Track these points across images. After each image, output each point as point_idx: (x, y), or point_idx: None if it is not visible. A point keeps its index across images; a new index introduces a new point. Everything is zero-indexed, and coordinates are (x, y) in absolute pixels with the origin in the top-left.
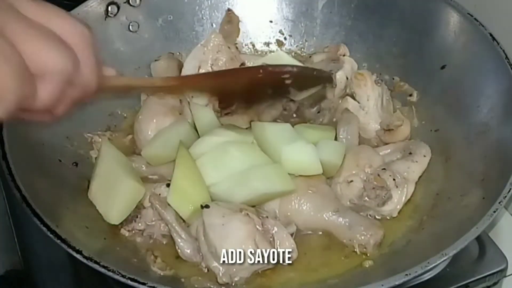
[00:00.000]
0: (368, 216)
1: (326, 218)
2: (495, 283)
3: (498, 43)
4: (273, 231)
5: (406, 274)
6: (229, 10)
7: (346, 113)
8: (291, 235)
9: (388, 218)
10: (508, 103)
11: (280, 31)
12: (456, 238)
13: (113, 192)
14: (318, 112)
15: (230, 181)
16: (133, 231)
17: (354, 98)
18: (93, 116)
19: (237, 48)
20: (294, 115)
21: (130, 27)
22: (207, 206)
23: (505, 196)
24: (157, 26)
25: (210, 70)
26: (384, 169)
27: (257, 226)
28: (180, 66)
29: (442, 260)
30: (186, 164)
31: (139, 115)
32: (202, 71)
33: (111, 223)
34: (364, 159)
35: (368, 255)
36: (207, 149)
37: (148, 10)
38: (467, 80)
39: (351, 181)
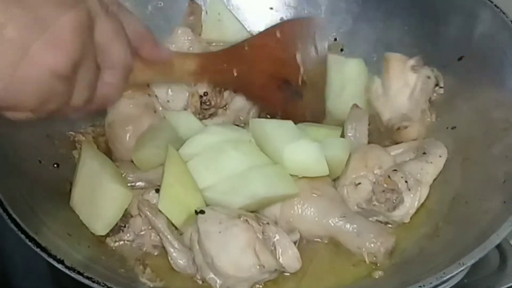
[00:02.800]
0: (378, 222)
1: (332, 224)
2: None
3: None
4: (275, 239)
5: (420, 286)
6: (191, 0)
7: (355, 109)
8: (294, 243)
9: (399, 224)
10: None
11: (281, 19)
12: (474, 246)
13: (97, 199)
14: None
15: (226, 184)
16: (121, 242)
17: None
18: None
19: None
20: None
21: None
22: (202, 212)
23: None
24: (147, 14)
25: None
26: (395, 170)
27: (257, 234)
28: None
29: (459, 270)
30: (177, 167)
31: (110, 121)
32: None
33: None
34: (373, 159)
35: (378, 264)
36: (200, 149)
37: None
38: (487, 73)
39: (359, 183)
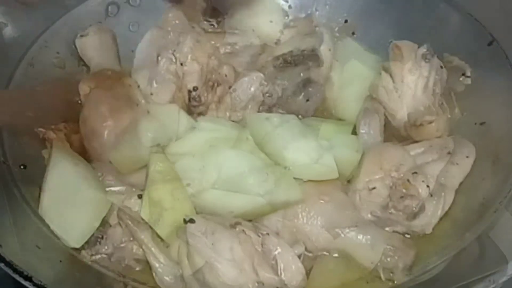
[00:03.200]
0: (395, 232)
1: (342, 235)
2: None
3: None
4: (276, 252)
5: None
6: None
7: (369, 102)
8: (299, 257)
9: (420, 235)
10: None
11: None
12: (506, 261)
13: (71, 206)
14: (307, 100)
15: (220, 189)
16: (98, 256)
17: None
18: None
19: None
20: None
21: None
22: (191, 221)
23: None
24: None
25: (173, 58)
26: (415, 173)
27: (256, 246)
28: (115, 39)
29: None
30: (162, 169)
31: (86, 115)
32: (163, 60)
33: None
34: (389, 160)
35: (395, 281)
36: (190, 149)
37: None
38: None
39: (374, 188)
